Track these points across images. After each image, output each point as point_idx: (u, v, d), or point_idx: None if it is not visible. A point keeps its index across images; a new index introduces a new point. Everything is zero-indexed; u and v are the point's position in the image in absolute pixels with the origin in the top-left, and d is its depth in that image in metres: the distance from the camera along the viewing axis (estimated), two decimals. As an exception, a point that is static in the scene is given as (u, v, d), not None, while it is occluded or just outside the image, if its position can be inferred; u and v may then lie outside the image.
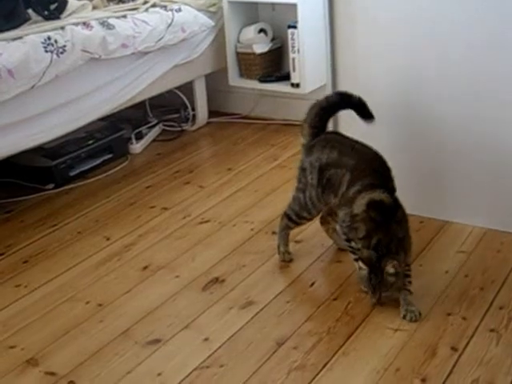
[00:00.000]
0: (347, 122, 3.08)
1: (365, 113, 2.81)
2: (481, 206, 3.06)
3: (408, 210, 3.05)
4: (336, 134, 2.96)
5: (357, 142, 2.76)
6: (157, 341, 2.52)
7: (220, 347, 2.45)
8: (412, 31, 2.99)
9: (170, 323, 2.61)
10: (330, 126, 3.02)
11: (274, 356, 2.38)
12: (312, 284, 2.78)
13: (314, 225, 3.05)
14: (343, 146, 2.75)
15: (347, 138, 2.81)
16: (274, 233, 3.08)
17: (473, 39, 2.87)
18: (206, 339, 2.50)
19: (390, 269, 2.44)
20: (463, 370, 2.24)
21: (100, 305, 2.77)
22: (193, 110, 4.60)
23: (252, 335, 2.50)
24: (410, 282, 2.57)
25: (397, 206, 2.58)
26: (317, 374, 2.28)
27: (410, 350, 2.35)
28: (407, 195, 3.10)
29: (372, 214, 2.51)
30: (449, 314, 2.52)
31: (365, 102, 2.79)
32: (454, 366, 2.26)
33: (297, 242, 3.04)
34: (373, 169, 2.66)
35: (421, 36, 2.98)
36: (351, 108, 2.82)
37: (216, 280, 2.85)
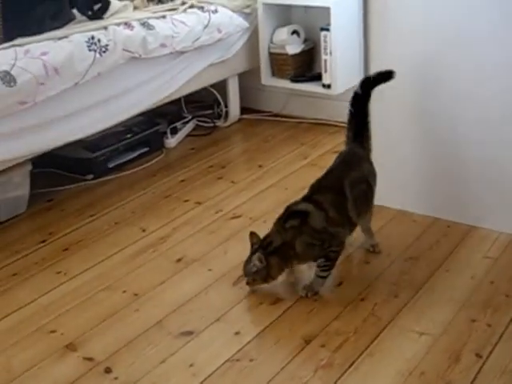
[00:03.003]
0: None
1: (386, 76, 2.82)
2: (508, 212, 3.01)
3: (435, 213, 3.09)
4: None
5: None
6: (189, 332, 2.52)
7: (250, 341, 2.44)
8: (446, 34, 2.94)
9: (203, 315, 2.61)
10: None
11: (302, 353, 2.37)
12: (340, 283, 2.76)
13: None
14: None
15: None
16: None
17: (509, 41, 2.81)
18: (237, 333, 2.50)
19: (255, 259, 2.62)
20: (487, 377, 2.21)
21: (136, 294, 2.77)
22: (226, 106, 4.59)
23: (281, 331, 2.49)
24: (323, 271, 2.68)
25: (296, 214, 2.67)
26: (343, 374, 2.26)
27: (434, 355, 2.32)
28: (434, 199, 3.11)
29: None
30: (473, 321, 2.48)
31: (380, 72, 2.83)
32: (478, 373, 2.22)
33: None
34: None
35: (455, 39, 2.92)
36: (376, 84, 2.84)
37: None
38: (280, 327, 2.51)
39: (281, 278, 2.71)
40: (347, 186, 2.70)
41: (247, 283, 2.71)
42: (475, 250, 2.93)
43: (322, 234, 2.64)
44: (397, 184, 3.20)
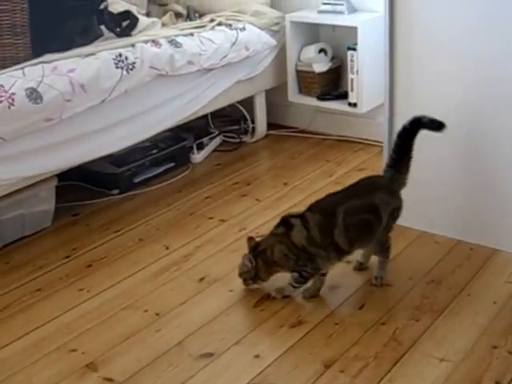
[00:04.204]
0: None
1: (436, 125, 2.77)
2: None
3: (458, 236, 3.05)
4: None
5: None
6: (210, 354, 2.50)
7: (270, 365, 2.42)
8: (472, 53, 2.91)
9: (223, 337, 2.59)
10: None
11: (321, 378, 2.34)
12: (361, 307, 2.73)
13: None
14: None
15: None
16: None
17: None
18: (257, 356, 2.48)
19: (245, 259, 2.76)
20: (507, 405, 2.18)
21: (157, 314, 2.75)
22: (252, 122, 4.57)
23: (301, 355, 2.46)
24: (296, 283, 2.75)
25: (284, 223, 2.76)
26: (362, 400, 2.23)
27: (454, 382, 2.28)
28: (458, 221, 3.07)
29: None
30: (495, 347, 2.44)
31: (432, 118, 2.76)
32: (497, 401, 2.19)
33: (348, 262, 2.99)
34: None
35: (481, 57, 2.89)
36: (424, 128, 2.78)
37: (268, 297, 2.82)
38: (300, 351, 2.49)
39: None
40: (340, 213, 2.70)
41: (243, 283, 2.85)
42: (498, 274, 2.89)
43: (300, 252, 2.70)
44: (420, 205, 3.17)
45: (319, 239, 2.69)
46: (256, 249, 2.78)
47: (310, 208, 2.77)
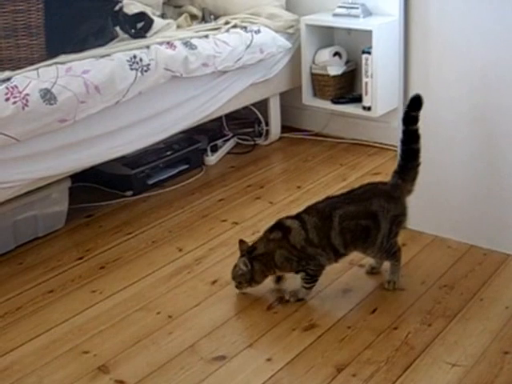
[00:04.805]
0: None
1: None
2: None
3: (471, 241, 3.04)
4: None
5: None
6: (222, 357, 2.50)
7: (281, 369, 2.42)
8: (489, 57, 2.90)
9: (235, 340, 2.59)
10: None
11: (334, 382, 2.34)
12: (373, 311, 2.72)
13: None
14: None
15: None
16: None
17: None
18: (269, 359, 2.48)
19: (240, 263, 2.78)
20: (518, 411, 2.17)
21: (170, 316, 2.76)
22: (266, 125, 4.57)
23: (313, 359, 2.46)
24: (306, 283, 2.78)
25: (280, 227, 2.78)
26: (374, 404, 2.23)
27: (465, 387, 2.29)
28: (471, 226, 3.06)
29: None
30: (506, 353, 2.43)
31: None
32: (508, 407, 2.19)
33: (360, 266, 2.99)
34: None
35: (498, 61, 2.88)
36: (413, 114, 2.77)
37: (280, 300, 2.82)
38: (312, 355, 2.49)
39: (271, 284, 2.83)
40: (336, 217, 2.72)
41: (235, 287, 2.86)
42: (511, 279, 2.87)
43: (300, 252, 2.73)
44: (433, 210, 3.17)
45: (317, 240, 2.72)
46: (252, 252, 2.79)
47: (307, 210, 2.81)
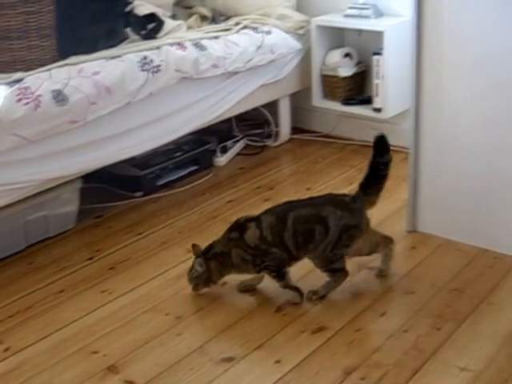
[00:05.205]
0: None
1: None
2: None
3: (482, 244, 3.04)
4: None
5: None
6: (230, 359, 2.51)
7: (290, 371, 2.43)
8: (503, 59, 2.89)
9: (244, 342, 2.60)
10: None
11: (342, 385, 2.35)
12: (382, 314, 2.73)
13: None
14: None
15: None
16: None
17: None
18: (278, 361, 2.48)
19: (195, 264, 2.83)
20: (526, 417, 2.17)
21: (178, 317, 2.77)
22: (276, 126, 4.57)
23: (321, 362, 2.47)
24: (274, 279, 2.82)
25: (239, 227, 2.83)
26: (382, 408, 2.24)
27: (474, 392, 2.29)
28: (481, 229, 3.06)
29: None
30: (516, 358, 2.44)
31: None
32: (517, 413, 2.18)
33: (370, 268, 3.00)
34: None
35: (509, 65, 2.88)
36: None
37: (289, 302, 2.83)
38: (321, 357, 2.50)
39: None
40: (290, 219, 2.76)
41: (192, 289, 2.90)
42: (521, 283, 2.88)
43: (254, 250, 2.78)
44: (443, 213, 3.17)
45: (270, 238, 2.76)
46: (209, 252, 2.85)
47: (266, 211, 2.86)
